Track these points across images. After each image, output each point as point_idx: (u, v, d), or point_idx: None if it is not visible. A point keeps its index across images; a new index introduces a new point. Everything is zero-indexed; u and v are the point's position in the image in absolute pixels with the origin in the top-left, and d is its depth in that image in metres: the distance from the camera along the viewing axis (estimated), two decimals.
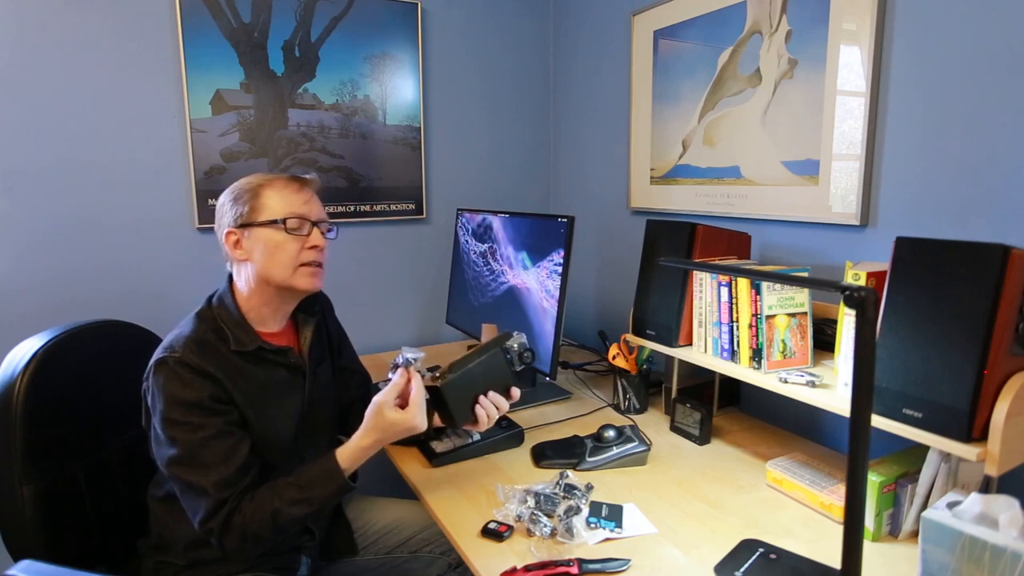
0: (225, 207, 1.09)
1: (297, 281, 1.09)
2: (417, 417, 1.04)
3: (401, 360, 1.08)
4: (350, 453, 1.04)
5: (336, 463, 1.03)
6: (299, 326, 1.19)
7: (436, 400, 1.09)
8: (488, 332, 1.20)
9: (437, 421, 1.25)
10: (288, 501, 0.99)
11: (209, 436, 0.98)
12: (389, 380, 1.08)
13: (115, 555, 1.16)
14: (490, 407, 1.11)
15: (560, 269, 1.45)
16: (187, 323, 1.06)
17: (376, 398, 1.04)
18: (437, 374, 1.09)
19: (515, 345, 1.17)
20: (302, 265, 1.09)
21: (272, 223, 1.07)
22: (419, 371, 1.09)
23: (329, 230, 1.14)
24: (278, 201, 1.08)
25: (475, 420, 1.11)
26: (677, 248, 1.36)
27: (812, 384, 1.10)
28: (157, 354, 1.01)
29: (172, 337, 1.03)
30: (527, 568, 0.92)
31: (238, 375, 1.04)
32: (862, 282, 1.01)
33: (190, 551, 1.07)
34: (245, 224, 1.07)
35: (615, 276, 2.04)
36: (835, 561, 0.79)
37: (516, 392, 1.16)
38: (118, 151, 1.66)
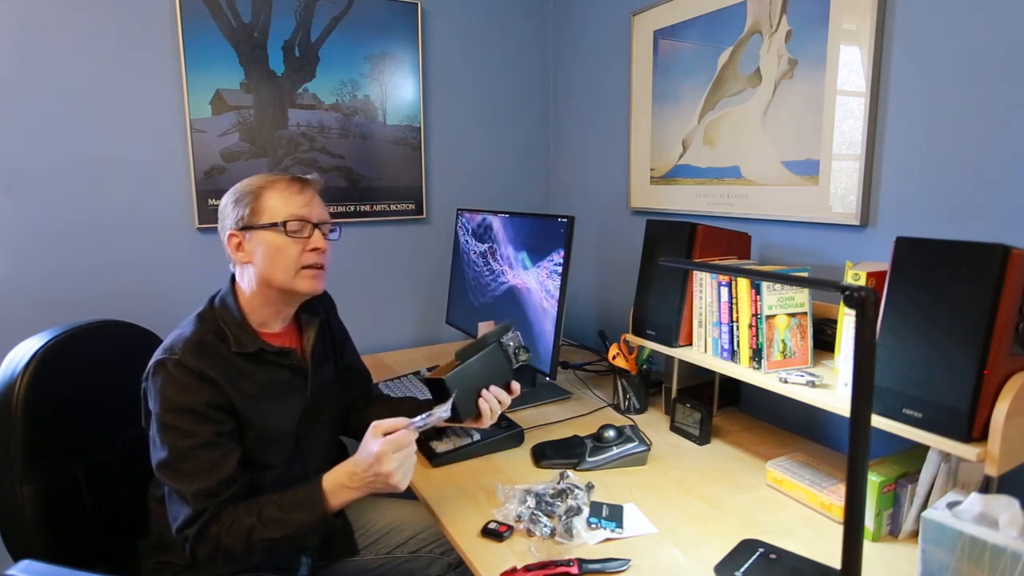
0: (227, 209, 1.08)
1: (298, 284, 1.09)
2: (391, 463, 0.95)
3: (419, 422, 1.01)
4: (334, 483, 1.00)
5: (320, 491, 1.00)
6: (302, 326, 1.19)
7: (439, 393, 1.09)
8: (484, 329, 1.20)
9: (438, 423, 1.25)
10: (266, 520, 0.97)
11: (197, 445, 0.97)
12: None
13: (115, 555, 1.16)
14: (493, 401, 1.12)
15: (560, 269, 1.45)
16: (188, 324, 1.06)
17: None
18: (436, 367, 1.09)
19: (511, 343, 1.17)
20: (303, 268, 1.09)
21: (272, 226, 1.06)
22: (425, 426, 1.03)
23: (332, 231, 1.14)
24: (279, 203, 1.07)
25: (479, 415, 1.12)
26: (677, 248, 1.36)
27: (812, 384, 1.10)
28: (157, 355, 1.01)
29: (173, 338, 1.03)
30: (527, 568, 0.92)
31: (238, 376, 1.03)
32: (862, 282, 1.01)
33: None
34: (246, 227, 1.07)
35: (615, 276, 2.04)
36: (835, 561, 0.79)
37: (516, 387, 1.16)
38: (118, 151, 1.66)
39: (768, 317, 1.18)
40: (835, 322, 1.16)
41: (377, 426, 0.99)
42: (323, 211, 1.13)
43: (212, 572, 1.00)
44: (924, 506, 0.96)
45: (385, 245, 2.07)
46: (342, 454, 1.40)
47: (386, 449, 0.96)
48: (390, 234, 2.08)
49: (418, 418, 1.00)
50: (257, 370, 1.07)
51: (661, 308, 1.40)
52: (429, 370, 1.11)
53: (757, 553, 0.95)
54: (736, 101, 1.52)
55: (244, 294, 1.10)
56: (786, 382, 1.13)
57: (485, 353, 1.12)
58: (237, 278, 1.12)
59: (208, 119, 1.74)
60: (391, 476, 0.96)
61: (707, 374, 1.51)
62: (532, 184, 2.31)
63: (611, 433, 1.29)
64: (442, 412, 1.02)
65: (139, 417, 1.06)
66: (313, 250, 1.09)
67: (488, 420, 1.13)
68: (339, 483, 1.00)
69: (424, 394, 1.56)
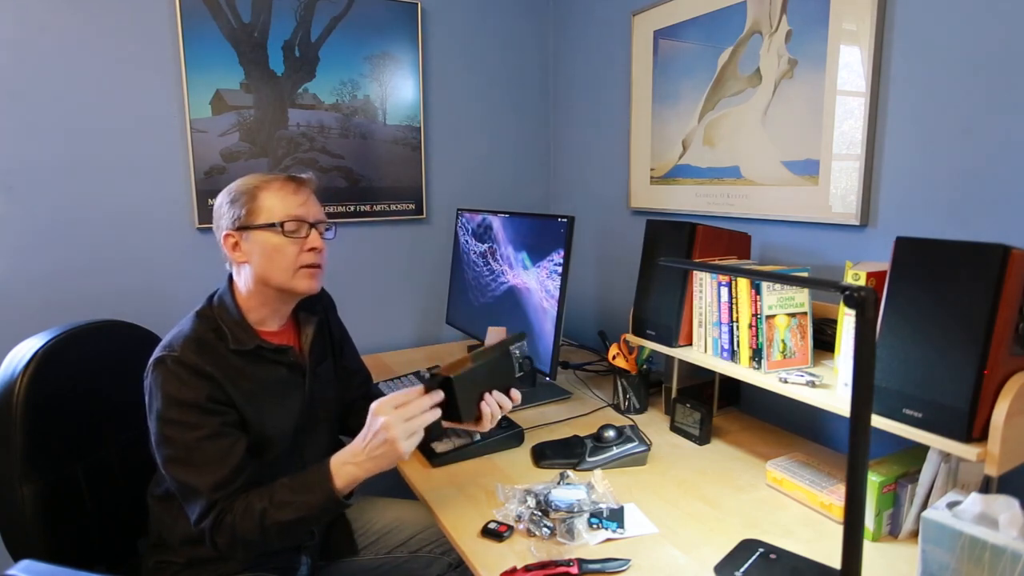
0: (222, 209, 1.08)
1: (296, 284, 1.09)
2: (398, 429, 0.94)
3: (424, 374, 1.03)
4: (340, 462, 0.99)
5: (328, 470, 0.98)
6: (300, 325, 1.19)
7: (445, 392, 1.09)
8: (494, 334, 1.20)
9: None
10: (277, 503, 0.97)
11: (204, 436, 0.97)
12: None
13: (115, 555, 1.16)
14: (494, 405, 1.11)
15: (560, 269, 1.45)
16: (187, 322, 1.06)
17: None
18: (445, 366, 1.09)
19: (517, 351, 1.17)
20: (301, 267, 1.09)
21: (270, 226, 1.06)
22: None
23: (327, 230, 1.14)
24: (275, 203, 1.07)
25: (479, 418, 1.11)
26: (677, 248, 1.36)
27: (812, 384, 1.10)
28: (156, 353, 1.01)
29: (172, 336, 1.04)
30: (527, 568, 0.92)
31: (237, 374, 1.03)
32: (862, 282, 1.01)
33: (188, 548, 1.07)
34: (243, 227, 1.06)
35: (615, 276, 2.04)
36: (835, 561, 0.79)
37: (517, 395, 1.16)
38: (118, 151, 1.66)
39: (768, 317, 1.18)
40: (835, 322, 1.16)
41: (381, 403, 0.97)
42: (319, 210, 1.13)
43: (233, 558, 1.01)
44: (924, 506, 0.96)
45: (385, 245, 2.07)
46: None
47: (392, 416, 0.95)
48: (390, 234, 2.08)
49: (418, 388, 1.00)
50: (255, 368, 1.07)
51: (661, 308, 1.40)
52: (430, 370, 1.11)
53: (757, 553, 0.95)
54: (736, 101, 1.52)
55: (241, 293, 1.10)
56: (786, 382, 1.13)
57: (495, 358, 1.13)
58: (234, 277, 1.12)
59: (208, 119, 1.74)
60: (396, 442, 0.94)
61: (707, 374, 1.51)
62: (532, 184, 2.31)
63: (611, 433, 1.29)
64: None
65: (139, 417, 1.06)
66: (311, 250, 1.09)
67: (488, 423, 1.12)
68: (343, 460, 0.99)
69: None
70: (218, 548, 0.98)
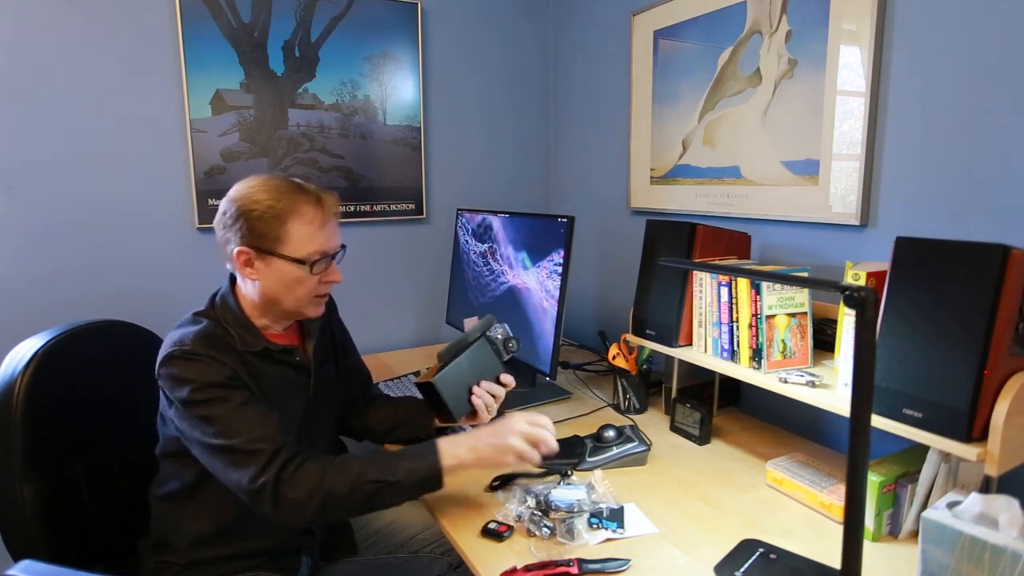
0: (240, 220, 1.02)
1: (306, 310, 1.10)
2: (519, 429, 1.04)
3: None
4: (448, 449, 1.02)
5: (434, 445, 1.02)
6: (304, 326, 1.19)
7: (430, 396, 1.09)
8: (469, 327, 1.20)
9: (438, 421, 1.26)
10: (379, 464, 0.99)
11: (238, 404, 0.97)
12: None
13: (115, 555, 1.16)
14: (486, 396, 1.12)
15: (560, 269, 1.45)
16: (188, 321, 1.05)
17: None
18: (425, 370, 1.09)
19: (498, 335, 1.17)
20: (315, 296, 1.09)
21: (297, 262, 1.03)
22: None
23: (341, 248, 1.12)
24: (304, 236, 1.03)
25: (473, 412, 1.11)
26: (677, 248, 1.36)
27: (812, 384, 1.10)
28: (166, 350, 0.99)
29: (180, 334, 1.01)
30: (527, 568, 0.92)
31: (247, 369, 1.03)
32: (862, 282, 1.01)
33: (191, 550, 1.07)
34: (265, 251, 1.03)
35: (615, 276, 2.04)
36: (835, 561, 0.79)
37: (508, 378, 1.16)
38: (118, 151, 1.66)
39: (768, 317, 1.18)
40: (835, 322, 1.16)
41: (515, 412, 1.09)
42: (338, 234, 1.11)
43: (293, 520, 0.97)
44: (924, 506, 0.96)
45: (385, 245, 2.07)
46: (341, 452, 1.41)
47: (521, 421, 1.05)
48: (390, 234, 2.08)
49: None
50: (263, 367, 1.07)
51: (661, 308, 1.40)
52: (417, 374, 1.11)
53: (757, 553, 0.95)
54: (736, 101, 1.52)
55: (246, 299, 1.09)
56: (786, 382, 1.13)
57: (472, 350, 1.12)
58: (239, 281, 1.10)
59: (208, 119, 1.74)
60: (511, 436, 1.03)
61: (707, 374, 1.51)
62: (532, 184, 2.31)
63: (611, 433, 1.29)
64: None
65: (139, 417, 1.06)
66: (327, 281, 1.09)
67: (484, 415, 1.13)
68: (455, 440, 1.03)
69: None
70: (280, 504, 0.94)
